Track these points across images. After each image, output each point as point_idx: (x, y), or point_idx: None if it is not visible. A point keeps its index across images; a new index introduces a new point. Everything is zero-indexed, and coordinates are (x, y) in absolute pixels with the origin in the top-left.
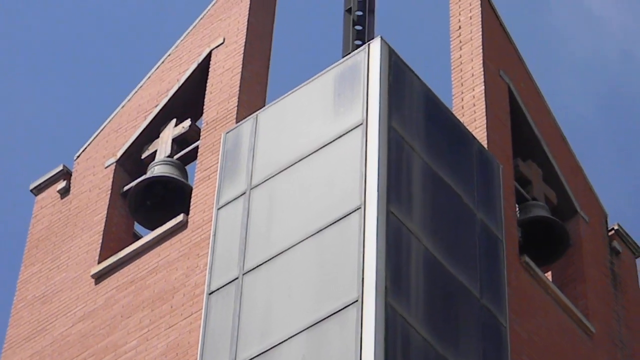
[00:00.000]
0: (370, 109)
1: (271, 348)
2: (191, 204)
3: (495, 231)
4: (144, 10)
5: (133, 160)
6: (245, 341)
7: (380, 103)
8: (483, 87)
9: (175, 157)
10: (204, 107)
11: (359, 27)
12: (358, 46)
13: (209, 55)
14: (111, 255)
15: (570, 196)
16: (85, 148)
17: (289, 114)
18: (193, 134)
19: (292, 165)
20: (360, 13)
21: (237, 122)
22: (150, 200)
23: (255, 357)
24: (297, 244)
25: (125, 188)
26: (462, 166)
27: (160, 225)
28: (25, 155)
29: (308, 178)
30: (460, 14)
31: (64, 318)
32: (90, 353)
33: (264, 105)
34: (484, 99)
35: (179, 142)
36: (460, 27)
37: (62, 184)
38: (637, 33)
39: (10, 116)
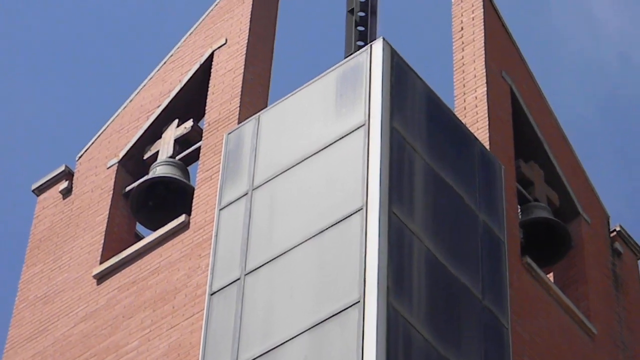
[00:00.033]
0: (372, 110)
1: (273, 349)
2: (193, 204)
3: (497, 232)
4: (145, 10)
5: (135, 160)
6: (247, 342)
7: (382, 104)
8: (485, 88)
9: (177, 157)
10: (206, 107)
11: (361, 28)
12: (360, 47)
13: (211, 56)
14: (113, 256)
15: (572, 197)
16: (88, 148)
17: (291, 115)
18: (195, 135)
19: (294, 166)
20: (362, 14)
21: (239, 122)
22: (152, 201)
23: (257, 357)
24: (298, 245)
25: (128, 188)
26: (464, 167)
27: (162, 225)
28: (27, 155)
29: (310, 179)
30: (462, 15)
31: (65, 318)
32: (92, 353)
33: (266, 106)
34: (486, 100)
35: (181, 143)
36: (462, 28)
37: (64, 185)
38: (635, 35)
39: (11, 116)
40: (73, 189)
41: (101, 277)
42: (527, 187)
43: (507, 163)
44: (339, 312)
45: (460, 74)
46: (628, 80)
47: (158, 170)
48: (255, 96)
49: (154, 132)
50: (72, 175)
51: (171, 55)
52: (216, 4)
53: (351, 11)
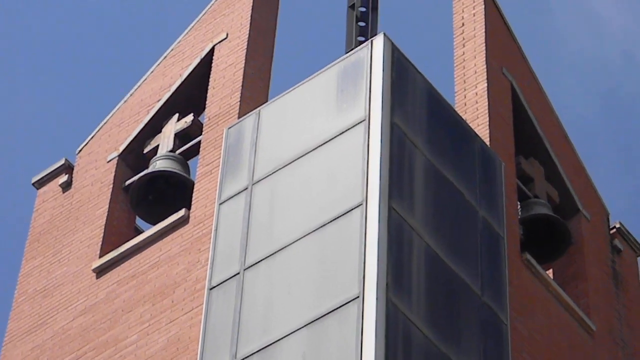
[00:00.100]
0: (373, 105)
1: (272, 344)
2: (193, 198)
3: (497, 228)
4: (146, 5)
5: (135, 154)
6: (245, 337)
7: (382, 99)
8: (486, 84)
9: (178, 152)
10: (207, 102)
11: (362, 24)
12: (361, 42)
13: (212, 50)
14: (112, 250)
15: (572, 194)
16: (88, 142)
17: (292, 109)
18: (195, 129)
19: (294, 161)
20: (363, 9)
21: (239, 117)
22: (152, 195)
23: (255, 352)
24: (298, 240)
25: (127, 182)
26: (464, 163)
27: (162, 219)
28: (27, 148)
29: (310, 174)
30: (463, 11)
31: (64, 312)
32: (91, 347)
33: (267, 101)
34: (486, 96)
35: (181, 137)
36: (463, 24)
37: (63, 178)
38: (637, 33)
39: (12, 110)
40: (73, 182)
41: (100, 271)
42: (527, 184)
43: (507, 159)
44: (338, 308)
45: (461, 70)
46: (631, 78)
47: (158, 164)
48: (256, 91)
49: (154, 126)
50: (72, 169)
51: (172, 50)
52: None
53: (352, 6)
